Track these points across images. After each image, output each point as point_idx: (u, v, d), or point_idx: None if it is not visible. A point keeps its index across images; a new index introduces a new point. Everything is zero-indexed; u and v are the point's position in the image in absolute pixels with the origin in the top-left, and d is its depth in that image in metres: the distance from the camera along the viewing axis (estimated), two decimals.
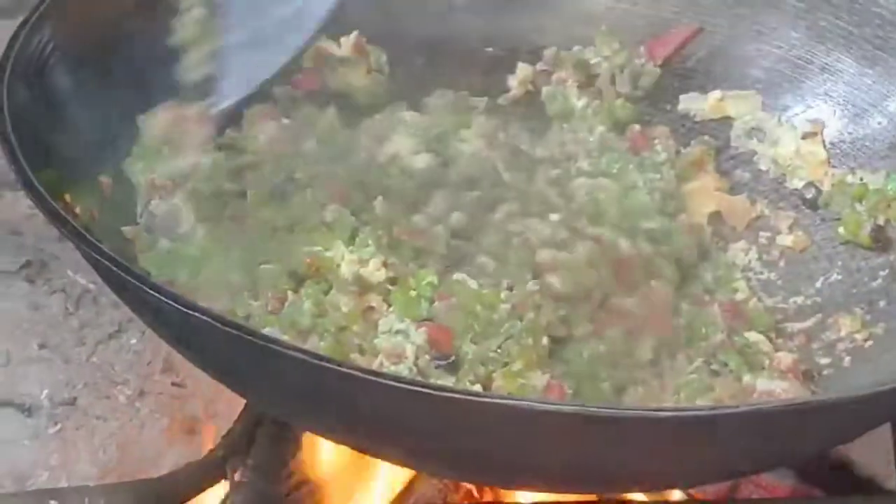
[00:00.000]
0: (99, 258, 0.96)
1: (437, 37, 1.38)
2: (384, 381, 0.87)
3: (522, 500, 1.19)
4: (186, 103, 1.22)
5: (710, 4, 1.38)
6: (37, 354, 1.31)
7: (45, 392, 1.29)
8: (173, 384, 1.29)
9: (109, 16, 1.22)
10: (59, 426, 1.27)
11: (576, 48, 1.39)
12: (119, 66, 1.21)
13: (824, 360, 1.18)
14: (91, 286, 1.35)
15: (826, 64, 1.33)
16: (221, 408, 1.26)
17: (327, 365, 0.88)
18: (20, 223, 1.38)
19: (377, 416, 0.92)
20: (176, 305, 0.92)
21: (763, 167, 1.33)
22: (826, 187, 1.30)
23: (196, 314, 0.91)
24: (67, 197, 1.08)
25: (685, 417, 0.89)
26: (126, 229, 1.16)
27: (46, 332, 1.33)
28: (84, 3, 1.20)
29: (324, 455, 1.19)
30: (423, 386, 0.87)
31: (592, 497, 1.15)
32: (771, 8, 1.36)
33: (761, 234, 1.30)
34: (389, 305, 1.11)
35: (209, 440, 1.23)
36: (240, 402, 1.17)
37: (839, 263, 1.26)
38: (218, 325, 0.90)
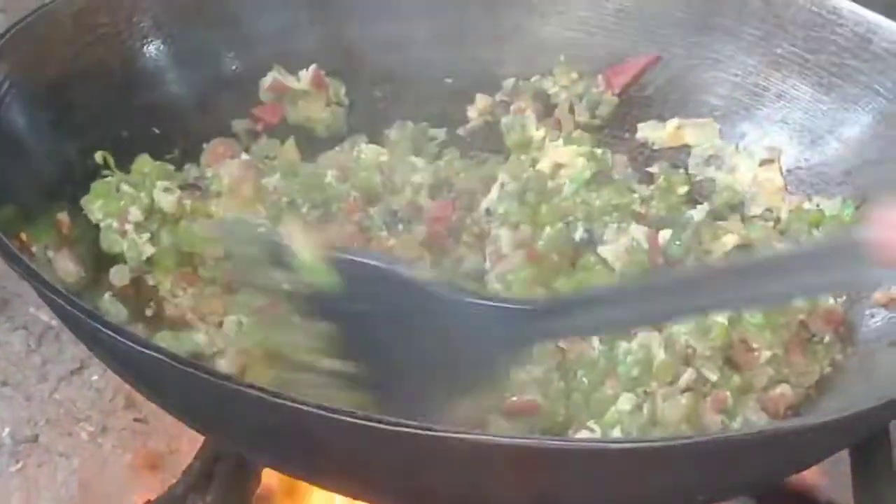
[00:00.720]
0: (53, 297, 0.96)
1: (395, 69, 1.38)
2: (337, 416, 0.87)
3: None
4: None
5: (666, 33, 1.39)
6: None
7: (7, 430, 1.28)
8: (135, 420, 1.29)
9: (66, 52, 1.22)
10: (20, 464, 1.26)
11: (534, 78, 1.39)
12: (76, 103, 1.21)
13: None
14: (53, 323, 1.35)
15: (782, 91, 1.34)
16: (184, 444, 1.26)
17: (281, 402, 0.88)
18: None
19: (333, 451, 0.92)
20: (131, 344, 0.92)
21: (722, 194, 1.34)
22: (784, 214, 1.30)
23: (150, 352, 0.91)
24: (24, 235, 1.08)
25: (641, 449, 0.90)
26: None
27: (8, 369, 1.32)
28: (39, 40, 1.20)
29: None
30: (374, 420, 0.87)
31: None
32: (727, 36, 1.37)
33: None
34: None
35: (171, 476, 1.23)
36: (202, 438, 1.17)
37: None
38: (173, 363, 0.90)
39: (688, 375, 1.12)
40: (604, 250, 1.21)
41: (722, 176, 1.34)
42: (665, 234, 1.23)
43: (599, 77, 1.39)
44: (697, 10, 1.38)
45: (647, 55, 1.39)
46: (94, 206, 1.18)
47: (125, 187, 1.19)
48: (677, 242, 1.23)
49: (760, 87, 1.35)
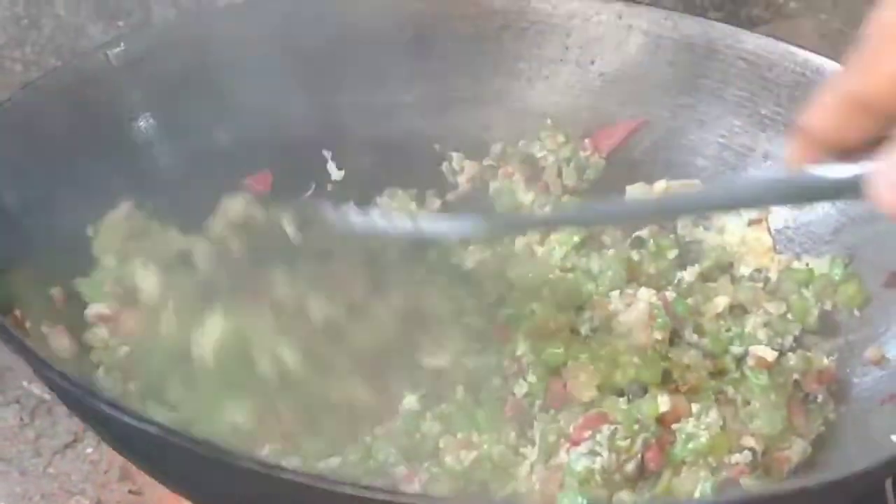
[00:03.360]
0: (48, 372, 0.96)
1: (384, 136, 1.39)
2: (333, 488, 0.87)
3: None
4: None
5: (653, 96, 1.40)
6: None
7: None
8: (130, 492, 1.28)
9: (53, 129, 1.22)
10: None
11: (521, 143, 1.40)
12: (68, 178, 1.21)
13: None
14: (46, 397, 1.34)
15: (768, 151, 1.36)
16: None
17: (277, 474, 0.88)
18: None
19: None
20: (125, 418, 0.92)
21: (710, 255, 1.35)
22: (773, 273, 1.31)
23: (145, 426, 0.91)
24: (18, 312, 1.08)
25: None
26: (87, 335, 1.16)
27: (2, 444, 1.32)
28: (27, 116, 1.21)
29: None
30: (370, 489, 0.87)
31: None
32: (713, 98, 1.38)
33: None
34: None
35: None
36: None
37: None
38: (168, 436, 0.90)
39: None
40: (624, 319, 1.21)
41: (710, 237, 1.35)
42: (671, 296, 1.23)
43: (586, 141, 1.40)
44: (683, 73, 1.39)
45: (634, 120, 1.40)
46: (88, 286, 1.19)
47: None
48: (681, 304, 1.23)
49: (747, 148, 1.36)
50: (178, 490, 1.04)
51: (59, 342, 1.12)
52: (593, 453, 1.08)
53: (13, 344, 0.98)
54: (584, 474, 1.07)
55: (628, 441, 1.09)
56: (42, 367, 0.97)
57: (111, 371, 1.14)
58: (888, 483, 1.17)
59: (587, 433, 1.09)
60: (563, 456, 1.09)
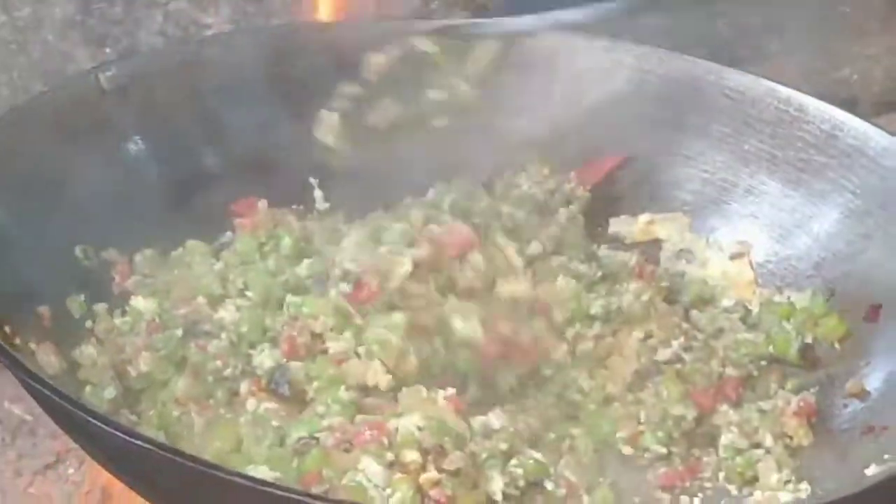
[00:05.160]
0: (39, 387, 0.97)
1: (371, 166, 1.39)
2: None
3: None
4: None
5: (637, 132, 1.41)
6: None
7: None
8: None
9: (40, 150, 1.23)
10: None
11: (507, 174, 1.41)
12: (53, 200, 1.22)
13: None
14: (27, 417, 1.35)
15: (751, 186, 1.37)
16: None
17: (274, 492, 0.89)
18: None
19: None
20: (116, 432, 0.93)
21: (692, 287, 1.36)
22: (754, 306, 1.32)
23: (137, 442, 0.92)
24: (7, 328, 1.08)
25: None
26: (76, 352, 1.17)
27: None
28: (12, 137, 1.22)
29: None
30: None
31: None
32: (697, 134, 1.40)
33: None
34: None
35: None
36: None
37: None
38: (161, 452, 0.91)
39: None
40: None
41: (693, 269, 1.37)
42: None
43: (572, 174, 1.41)
44: (667, 109, 1.41)
45: (618, 155, 1.41)
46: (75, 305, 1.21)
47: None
48: None
49: (730, 183, 1.38)
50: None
51: (47, 359, 1.13)
52: None
53: (5, 357, 0.99)
54: None
55: None
56: (33, 381, 0.97)
57: (97, 389, 1.15)
58: None
59: None
60: None
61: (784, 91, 1.37)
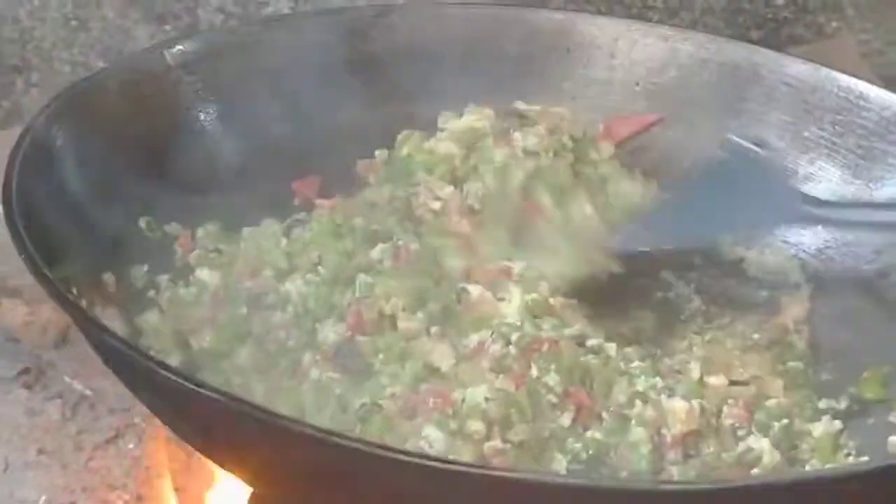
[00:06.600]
0: (111, 341, 0.98)
1: None
2: (400, 457, 0.88)
3: None
4: None
5: (696, 119, 1.42)
6: (35, 460, 1.31)
7: (44, 497, 1.28)
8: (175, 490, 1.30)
9: (111, 121, 1.25)
10: None
11: None
12: (122, 171, 1.23)
13: None
14: (88, 392, 1.35)
15: (810, 173, 1.37)
16: None
17: (338, 441, 0.89)
18: (17, 330, 1.39)
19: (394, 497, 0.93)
20: (180, 381, 0.93)
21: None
22: None
23: (202, 390, 0.92)
24: (74, 290, 1.10)
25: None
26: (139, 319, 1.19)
27: (44, 437, 1.33)
28: (86, 107, 1.23)
29: None
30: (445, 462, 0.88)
31: None
32: (756, 121, 1.40)
33: None
34: None
35: None
36: None
37: None
38: (224, 399, 0.91)
39: None
40: None
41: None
42: None
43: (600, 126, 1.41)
44: (726, 96, 1.41)
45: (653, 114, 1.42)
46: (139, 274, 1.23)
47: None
48: None
49: (789, 171, 1.38)
50: (234, 467, 1.04)
51: (112, 324, 1.14)
52: None
53: (79, 314, 1.00)
54: None
55: None
56: (102, 333, 0.98)
57: (161, 355, 1.16)
58: None
59: None
60: None
61: (844, 79, 1.37)
